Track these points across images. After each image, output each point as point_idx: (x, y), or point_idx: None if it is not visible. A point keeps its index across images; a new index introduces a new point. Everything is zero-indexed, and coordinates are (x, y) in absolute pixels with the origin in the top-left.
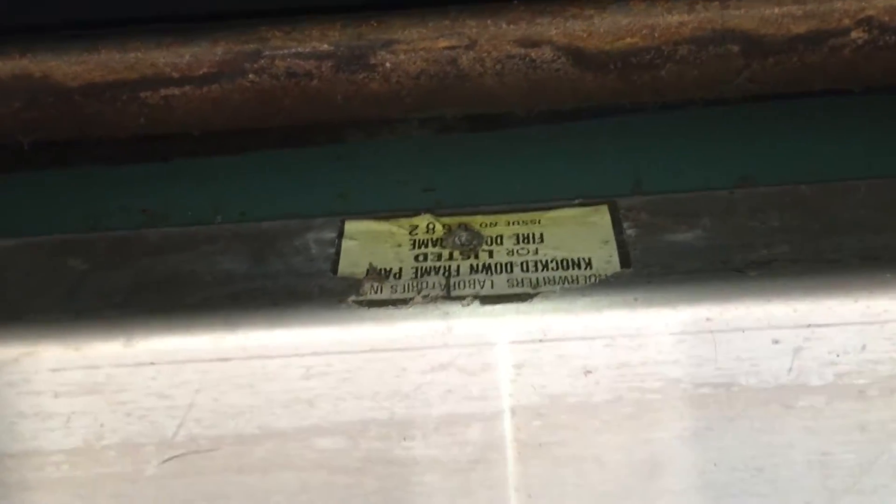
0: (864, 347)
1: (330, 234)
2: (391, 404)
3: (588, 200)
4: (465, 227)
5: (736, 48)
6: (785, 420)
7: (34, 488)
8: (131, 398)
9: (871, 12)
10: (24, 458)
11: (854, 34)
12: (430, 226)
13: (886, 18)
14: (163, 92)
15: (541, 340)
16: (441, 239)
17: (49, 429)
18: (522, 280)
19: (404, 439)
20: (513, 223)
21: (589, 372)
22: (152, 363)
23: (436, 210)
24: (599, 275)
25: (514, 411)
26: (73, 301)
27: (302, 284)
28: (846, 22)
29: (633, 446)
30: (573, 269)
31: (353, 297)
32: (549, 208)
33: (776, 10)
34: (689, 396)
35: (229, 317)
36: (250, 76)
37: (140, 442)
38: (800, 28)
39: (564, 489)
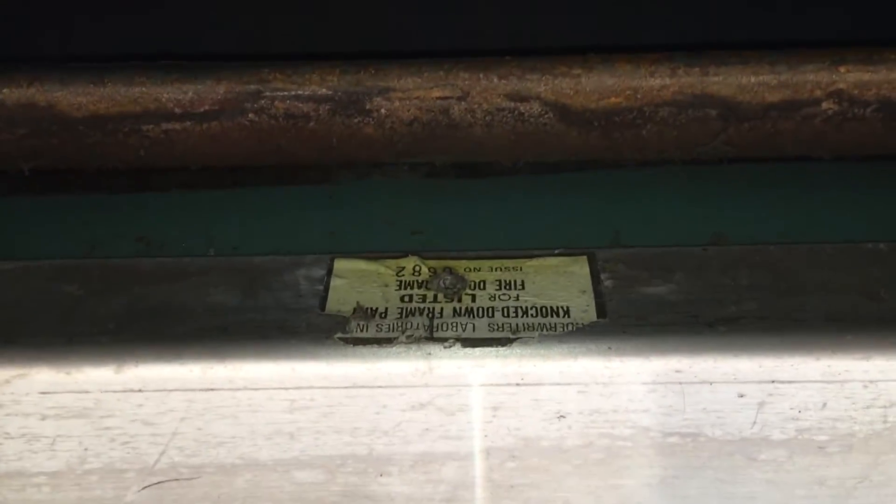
0: (824, 405)
1: (319, 272)
2: (370, 440)
3: (568, 250)
4: (450, 271)
5: (714, 112)
6: (748, 472)
7: None
8: (117, 424)
9: (841, 85)
10: (7, 479)
11: (825, 105)
12: (417, 268)
13: (856, 92)
14: (164, 126)
15: (517, 384)
16: (426, 281)
17: (33, 451)
18: (503, 325)
19: (381, 475)
20: (496, 269)
21: (562, 416)
22: (140, 390)
23: (422, 253)
24: (576, 323)
25: (488, 452)
26: (67, 326)
27: (290, 319)
28: (818, 93)
29: (602, 492)
30: (552, 316)
31: (339, 334)
32: (532, 256)
33: (752, 78)
34: (658, 444)
35: (218, 348)
36: (250, 115)
37: (122, 468)
38: (774, 97)
39: None
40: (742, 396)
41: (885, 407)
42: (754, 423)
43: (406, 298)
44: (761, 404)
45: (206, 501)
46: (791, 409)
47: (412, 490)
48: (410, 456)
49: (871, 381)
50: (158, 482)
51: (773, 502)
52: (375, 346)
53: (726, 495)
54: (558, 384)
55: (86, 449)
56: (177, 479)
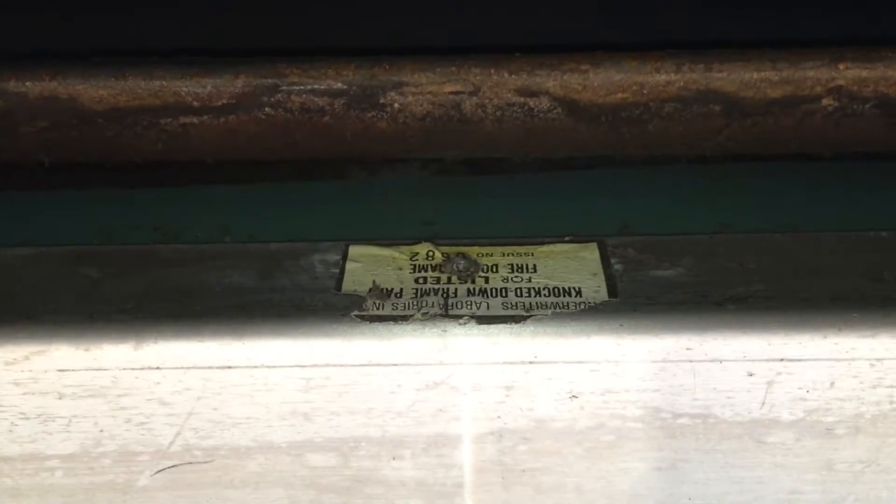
0: (832, 384)
1: (335, 257)
2: (384, 421)
3: (578, 237)
4: (463, 256)
5: (717, 108)
6: (757, 455)
7: (26, 495)
8: (133, 403)
9: (840, 82)
10: (21, 462)
11: (825, 101)
12: (430, 253)
13: (854, 88)
14: (182, 120)
15: (531, 362)
16: (440, 265)
17: (48, 432)
18: (516, 304)
19: (393, 458)
20: (507, 254)
21: (574, 396)
22: (158, 367)
23: (435, 240)
24: (588, 302)
25: (501, 434)
26: (86, 305)
27: (307, 299)
28: (818, 90)
29: (613, 476)
30: (564, 296)
31: (355, 312)
32: (542, 243)
33: (755, 74)
34: (668, 426)
35: (236, 325)
36: (266, 109)
37: (136, 450)
38: (776, 93)
39: None
40: (751, 375)
41: (891, 387)
42: (763, 403)
43: (421, 280)
44: (770, 383)
45: (218, 486)
46: (799, 388)
47: (424, 475)
48: (423, 438)
49: (877, 360)
50: (172, 466)
51: (781, 488)
52: (392, 322)
53: (735, 479)
54: (571, 362)
55: (101, 430)
56: (190, 463)
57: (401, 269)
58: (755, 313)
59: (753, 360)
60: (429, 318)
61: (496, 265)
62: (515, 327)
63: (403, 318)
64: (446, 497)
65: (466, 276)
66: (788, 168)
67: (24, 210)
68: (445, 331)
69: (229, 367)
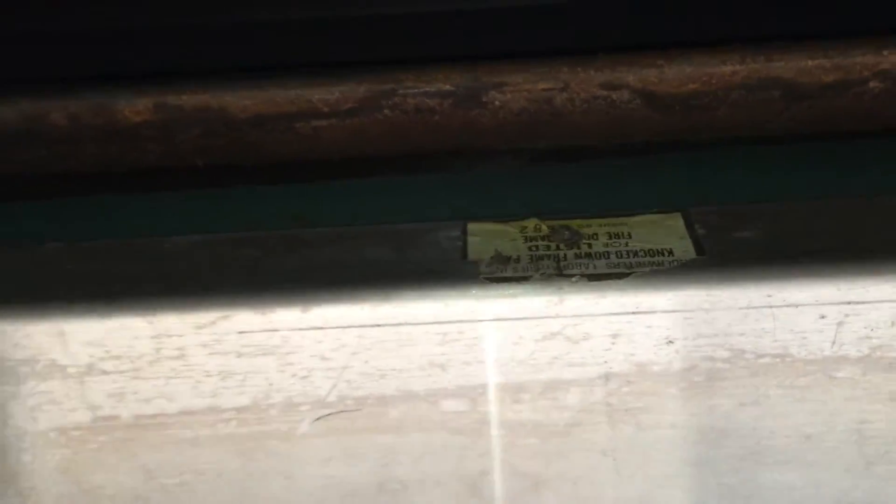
0: (893, 323)
1: (455, 233)
2: (507, 369)
3: (664, 209)
4: (567, 227)
5: (777, 93)
6: (829, 389)
7: (204, 445)
8: (298, 360)
9: (885, 66)
10: (201, 415)
11: (872, 84)
12: (538, 226)
13: None
14: (314, 123)
15: (633, 313)
16: (548, 235)
17: (227, 387)
18: (619, 264)
19: (514, 402)
20: (604, 225)
21: (671, 342)
22: (321, 327)
23: (540, 215)
24: (680, 260)
25: (607, 378)
26: (256, 277)
27: (438, 266)
28: (866, 73)
29: (704, 413)
30: (659, 256)
31: (482, 275)
32: (633, 214)
33: (810, 62)
34: (752, 366)
35: (383, 289)
36: (385, 111)
37: (298, 402)
38: (829, 78)
39: (646, 454)
40: (823, 318)
41: None
42: (833, 342)
43: (533, 248)
44: (840, 324)
45: (366, 432)
46: (865, 328)
47: (540, 417)
48: (540, 383)
49: None
50: (328, 414)
51: (851, 418)
52: (514, 283)
53: (811, 412)
54: (668, 311)
55: (270, 384)
56: (343, 411)
57: (514, 240)
58: (826, 263)
59: (825, 304)
60: (545, 277)
61: (596, 234)
62: (620, 283)
63: (524, 279)
64: (559, 436)
65: (572, 243)
66: (849, 147)
67: (184, 206)
68: (560, 288)
69: (378, 326)
